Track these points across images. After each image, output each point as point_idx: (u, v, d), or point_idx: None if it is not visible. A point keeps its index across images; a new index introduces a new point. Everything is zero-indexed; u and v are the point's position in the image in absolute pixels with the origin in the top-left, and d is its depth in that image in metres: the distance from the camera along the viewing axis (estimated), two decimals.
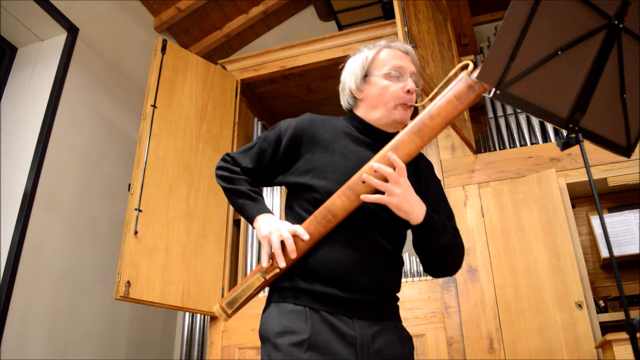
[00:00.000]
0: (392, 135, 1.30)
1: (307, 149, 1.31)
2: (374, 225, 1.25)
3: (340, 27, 4.30)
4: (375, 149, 1.27)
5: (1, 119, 2.96)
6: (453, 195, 2.84)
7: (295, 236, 1.20)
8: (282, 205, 3.12)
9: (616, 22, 1.32)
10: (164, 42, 3.00)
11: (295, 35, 4.00)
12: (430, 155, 2.99)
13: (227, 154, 1.40)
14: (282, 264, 1.19)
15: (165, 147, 2.82)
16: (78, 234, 2.97)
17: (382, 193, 1.19)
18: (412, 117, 1.33)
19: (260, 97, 3.68)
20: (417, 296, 2.69)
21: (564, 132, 1.36)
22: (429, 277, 2.77)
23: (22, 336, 2.52)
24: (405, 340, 1.28)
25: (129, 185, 2.66)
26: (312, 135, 1.32)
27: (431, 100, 1.25)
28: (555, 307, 2.36)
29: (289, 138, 1.33)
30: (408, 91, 1.32)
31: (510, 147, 2.99)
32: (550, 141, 2.87)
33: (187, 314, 3.61)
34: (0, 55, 3.11)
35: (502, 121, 3.07)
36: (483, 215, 2.73)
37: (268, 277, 1.23)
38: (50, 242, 2.78)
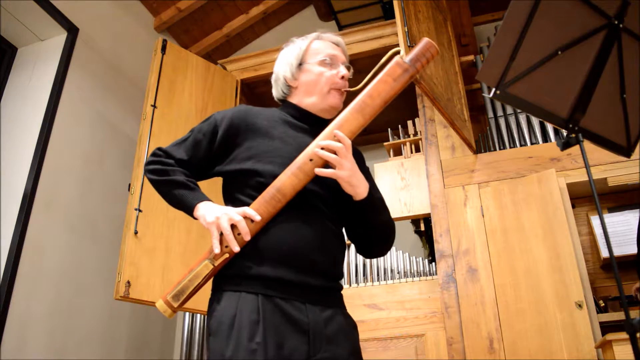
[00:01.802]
0: (327, 121, 1.32)
1: (245, 137, 1.31)
2: (318, 206, 1.27)
3: (340, 27, 4.30)
4: (313, 135, 1.29)
5: (1, 119, 2.96)
6: (453, 195, 2.84)
7: (245, 218, 1.19)
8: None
9: (616, 22, 1.32)
10: (164, 42, 3.00)
11: (295, 35, 4.00)
12: (430, 155, 2.99)
13: (158, 148, 1.36)
14: (237, 248, 1.17)
15: None
16: (78, 234, 2.97)
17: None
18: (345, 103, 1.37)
19: (260, 97, 3.68)
20: (417, 296, 2.69)
21: (564, 132, 1.36)
22: (429, 277, 2.77)
23: (22, 336, 2.52)
24: (353, 328, 1.29)
25: (129, 185, 2.66)
26: (250, 123, 1.33)
27: (366, 84, 1.31)
28: (555, 307, 2.36)
29: (225, 128, 1.32)
30: (342, 77, 1.38)
31: (510, 147, 2.99)
32: (550, 141, 2.87)
33: (187, 314, 3.61)
34: (0, 55, 3.11)
35: (502, 121, 3.07)
36: (483, 215, 2.73)
37: (217, 263, 1.19)
38: (50, 242, 2.78)
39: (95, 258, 3.07)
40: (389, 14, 4.08)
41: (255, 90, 3.61)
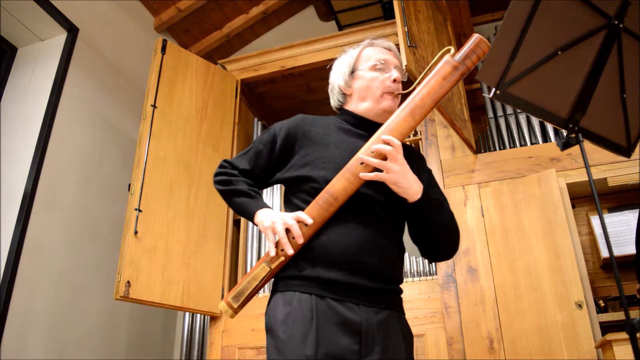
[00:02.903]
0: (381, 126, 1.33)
1: (302, 145, 1.35)
2: (373, 209, 1.28)
3: (340, 27, 4.30)
4: (368, 140, 1.30)
5: (1, 119, 2.96)
6: (453, 196, 2.84)
7: (299, 222, 1.22)
8: (282, 204, 3.11)
9: (616, 22, 1.32)
10: (164, 42, 3.00)
11: (295, 35, 4.00)
12: (430, 155, 2.99)
13: (225, 160, 1.44)
14: (290, 250, 1.21)
15: (165, 147, 2.81)
16: (78, 234, 2.97)
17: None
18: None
19: (260, 97, 3.68)
20: (417, 296, 2.68)
21: (564, 132, 1.36)
22: (429, 277, 2.77)
23: (22, 336, 2.52)
24: (408, 335, 1.28)
25: (129, 185, 2.66)
26: (306, 132, 1.37)
27: (417, 85, 1.31)
28: (555, 307, 2.36)
29: (283, 137, 1.37)
30: (394, 80, 1.39)
31: (510, 147, 2.99)
32: (550, 141, 2.87)
33: (187, 314, 3.61)
34: (0, 55, 3.11)
35: (502, 121, 3.07)
36: (483, 215, 2.73)
37: (274, 266, 1.24)
38: (50, 242, 2.78)
39: (95, 258, 3.07)
40: (389, 14, 4.08)
41: (255, 90, 3.60)
